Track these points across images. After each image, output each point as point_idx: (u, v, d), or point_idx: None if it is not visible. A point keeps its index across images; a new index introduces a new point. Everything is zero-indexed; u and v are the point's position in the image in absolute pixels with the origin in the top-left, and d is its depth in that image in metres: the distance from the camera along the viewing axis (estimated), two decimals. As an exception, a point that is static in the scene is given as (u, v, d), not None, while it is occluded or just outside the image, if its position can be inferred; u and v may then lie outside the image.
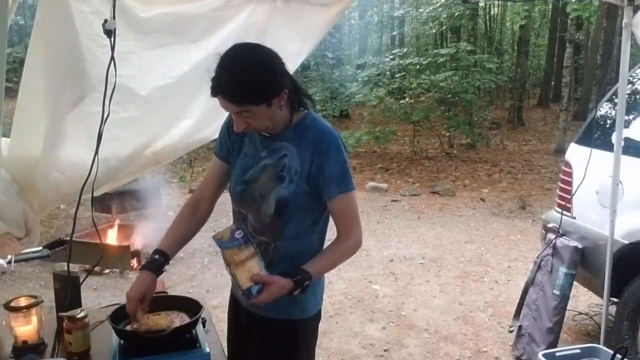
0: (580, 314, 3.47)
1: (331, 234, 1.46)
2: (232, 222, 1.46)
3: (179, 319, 1.43)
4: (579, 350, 2.41)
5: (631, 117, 2.95)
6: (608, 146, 2.80)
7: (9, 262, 1.81)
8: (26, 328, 1.46)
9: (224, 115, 1.80)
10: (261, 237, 1.40)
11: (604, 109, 3.21)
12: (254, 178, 1.40)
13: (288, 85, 1.31)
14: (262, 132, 1.38)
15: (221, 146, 1.51)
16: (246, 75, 1.24)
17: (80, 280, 1.60)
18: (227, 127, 1.47)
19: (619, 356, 2.05)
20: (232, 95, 1.24)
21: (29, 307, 1.46)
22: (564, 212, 3.04)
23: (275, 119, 1.33)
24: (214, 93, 1.26)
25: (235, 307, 1.57)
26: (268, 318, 1.43)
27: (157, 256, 1.45)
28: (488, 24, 17.16)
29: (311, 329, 1.49)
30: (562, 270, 2.89)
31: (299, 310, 1.44)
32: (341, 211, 1.37)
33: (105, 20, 1.34)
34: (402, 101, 10.12)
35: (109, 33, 1.34)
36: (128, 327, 1.39)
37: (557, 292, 2.87)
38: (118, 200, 5.16)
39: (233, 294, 1.62)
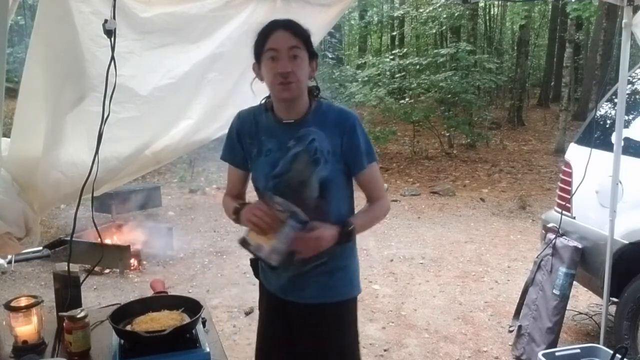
0: (580, 313, 3.48)
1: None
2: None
3: (179, 319, 1.43)
4: (578, 350, 2.41)
5: (631, 117, 2.95)
6: (608, 146, 2.80)
7: (10, 262, 1.81)
8: (26, 328, 1.46)
9: (224, 115, 1.81)
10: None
11: (604, 109, 3.21)
12: (286, 169, 1.42)
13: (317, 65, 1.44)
14: (285, 117, 1.43)
15: (232, 154, 1.53)
16: (301, 25, 1.40)
17: (81, 280, 1.60)
18: (237, 134, 1.50)
19: (618, 356, 2.05)
20: (292, 27, 1.35)
21: (29, 307, 1.46)
22: (564, 212, 3.04)
23: (305, 90, 1.41)
24: (273, 28, 1.35)
25: (280, 306, 1.56)
26: (324, 304, 1.49)
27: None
28: (488, 24, 17.15)
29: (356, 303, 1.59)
30: (562, 270, 2.89)
31: (353, 288, 1.54)
32: (372, 178, 1.49)
33: (106, 21, 1.34)
34: (402, 101, 10.12)
35: (109, 33, 1.34)
36: (128, 327, 1.40)
37: (556, 292, 2.87)
38: (118, 200, 5.16)
39: (271, 294, 1.59)
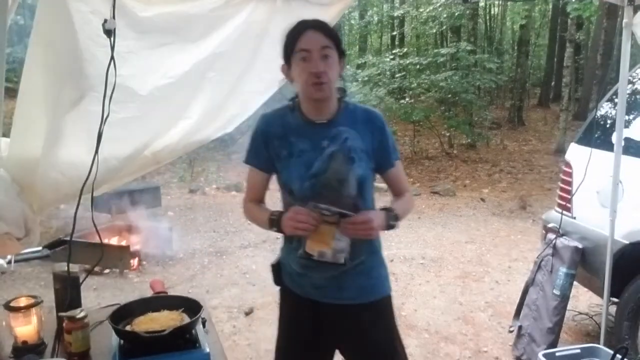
0: (581, 314, 3.47)
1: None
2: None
3: (178, 319, 1.42)
4: (579, 350, 2.41)
5: (631, 117, 2.95)
6: (608, 146, 2.80)
7: (9, 262, 1.81)
8: (26, 328, 1.46)
9: (223, 115, 1.81)
10: None
11: (604, 108, 3.20)
12: (323, 168, 1.41)
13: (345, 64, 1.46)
14: (316, 118, 1.44)
15: (257, 157, 1.51)
16: (329, 25, 1.43)
17: (80, 280, 1.60)
18: (263, 136, 1.48)
19: (619, 356, 2.05)
20: (322, 27, 1.37)
21: (28, 307, 1.45)
22: (564, 212, 3.04)
23: (335, 91, 1.43)
24: (304, 29, 1.36)
25: (313, 309, 1.52)
26: (364, 304, 1.49)
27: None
28: (488, 23, 17.15)
29: None
30: (562, 270, 2.89)
31: (388, 286, 1.56)
32: (398, 173, 1.55)
33: (105, 20, 1.34)
34: (402, 101, 10.12)
35: (109, 33, 1.34)
36: (128, 327, 1.39)
37: (557, 292, 2.87)
38: (118, 200, 5.15)
39: (302, 298, 1.54)
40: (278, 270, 1.58)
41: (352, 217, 1.34)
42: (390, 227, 1.43)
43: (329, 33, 1.38)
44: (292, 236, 1.44)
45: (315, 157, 1.42)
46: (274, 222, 1.43)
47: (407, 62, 10.42)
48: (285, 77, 1.44)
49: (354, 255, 1.42)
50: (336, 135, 1.42)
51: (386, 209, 1.44)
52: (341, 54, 1.41)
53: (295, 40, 1.37)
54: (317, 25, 1.37)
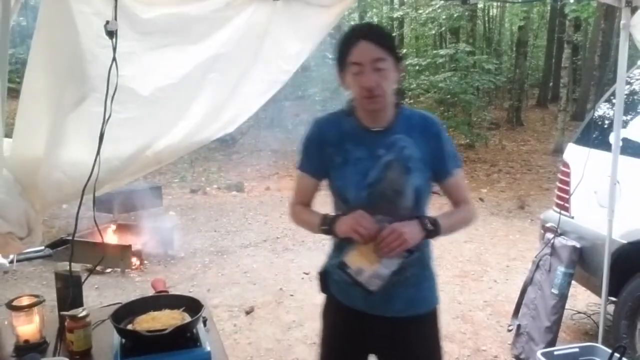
0: (579, 313, 3.49)
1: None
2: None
3: (180, 318, 1.43)
4: (577, 349, 2.42)
5: (629, 117, 2.97)
6: (606, 146, 2.81)
7: (11, 262, 1.81)
8: (28, 327, 1.47)
9: (224, 115, 1.81)
10: None
11: (602, 109, 3.22)
12: (379, 178, 1.37)
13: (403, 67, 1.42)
14: (372, 125, 1.40)
15: (311, 163, 1.48)
16: (384, 29, 1.45)
17: (82, 280, 1.61)
18: (317, 142, 1.45)
19: (617, 355, 2.06)
20: (376, 37, 1.31)
21: (31, 306, 1.46)
22: (562, 211, 3.05)
23: (391, 99, 1.37)
24: (356, 39, 1.31)
25: (360, 320, 1.47)
26: (413, 316, 1.45)
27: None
28: (487, 25, 17.16)
29: None
30: (561, 269, 2.90)
31: (437, 297, 1.52)
32: (458, 183, 1.48)
33: (107, 22, 1.35)
34: (402, 102, 10.12)
35: (111, 34, 1.35)
36: (130, 326, 1.40)
37: (555, 291, 2.89)
38: (119, 200, 5.17)
39: (349, 308, 1.48)
40: (325, 278, 1.53)
41: (381, 233, 1.27)
42: (429, 235, 1.36)
43: (383, 42, 1.32)
44: (341, 244, 1.39)
45: (372, 166, 1.38)
46: (328, 221, 1.39)
47: (407, 63, 10.42)
48: (341, 84, 1.41)
49: (404, 267, 1.36)
50: (393, 144, 1.38)
51: (419, 217, 1.35)
52: (398, 59, 1.36)
53: (347, 51, 1.33)
54: (370, 35, 1.31)
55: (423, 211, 1.42)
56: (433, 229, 1.36)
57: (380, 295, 1.37)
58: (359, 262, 1.31)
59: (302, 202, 1.54)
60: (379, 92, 1.31)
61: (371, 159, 1.38)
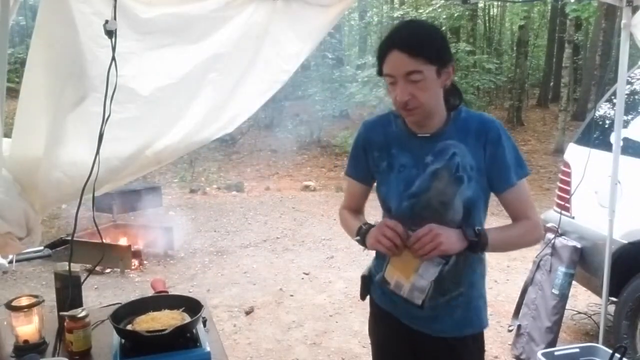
0: (579, 313, 3.48)
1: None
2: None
3: (179, 319, 1.43)
4: (577, 350, 2.42)
5: (630, 117, 2.96)
6: (607, 146, 2.81)
7: (11, 262, 1.81)
8: (27, 327, 1.46)
9: (224, 115, 1.81)
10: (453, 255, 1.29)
11: (603, 109, 3.21)
12: (424, 187, 1.27)
13: (453, 66, 1.25)
14: (419, 131, 1.29)
15: (356, 167, 1.42)
16: (424, 30, 1.24)
17: (82, 280, 1.60)
18: (364, 145, 1.38)
19: (617, 355, 2.05)
20: (410, 47, 1.17)
21: (30, 306, 1.46)
22: (563, 212, 3.05)
23: (437, 103, 1.25)
24: (388, 48, 1.20)
25: (406, 334, 1.40)
26: (460, 338, 1.36)
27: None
28: (487, 24, 17.16)
29: None
30: (561, 269, 2.90)
31: (485, 319, 1.40)
32: (518, 195, 1.31)
33: (107, 21, 1.34)
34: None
35: (110, 34, 1.34)
36: (129, 327, 1.40)
37: (556, 291, 2.88)
38: (119, 200, 5.18)
39: (394, 318, 1.42)
40: (368, 282, 1.46)
41: (417, 232, 1.19)
42: (472, 247, 1.23)
43: (419, 52, 1.17)
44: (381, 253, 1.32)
45: (417, 174, 1.28)
46: (361, 232, 1.32)
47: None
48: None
49: (454, 285, 1.29)
50: (442, 151, 1.27)
51: (462, 226, 1.25)
52: (444, 63, 1.21)
53: (382, 60, 1.23)
54: (404, 45, 1.18)
55: (476, 225, 1.28)
56: (476, 240, 1.23)
57: (427, 314, 1.31)
58: (396, 276, 1.26)
59: (351, 208, 1.48)
60: (415, 105, 1.21)
61: (417, 166, 1.29)
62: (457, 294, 1.33)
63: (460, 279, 1.32)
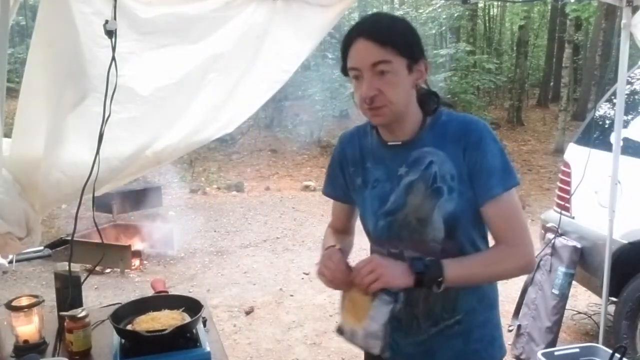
0: (579, 313, 3.48)
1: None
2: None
3: (179, 319, 1.43)
4: (577, 350, 2.42)
5: (630, 117, 2.96)
6: (607, 146, 2.81)
7: (11, 262, 1.81)
8: (27, 327, 1.46)
9: (224, 115, 1.81)
10: None
11: (603, 109, 3.21)
12: (400, 203, 1.12)
13: (426, 66, 1.10)
14: (390, 138, 1.14)
15: (333, 186, 1.28)
16: (393, 21, 1.09)
17: (82, 280, 1.60)
18: (340, 161, 1.24)
19: (617, 355, 2.05)
20: (377, 34, 1.03)
21: (30, 306, 1.46)
22: (563, 211, 3.05)
23: (408, 104, 1.09)
24: (353, 37, 1.05)
25: None
26: None
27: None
28: (487, 24, 17.15)
29: None
30: (561, 269, 2.90)
31: (496, 349, 1.23)
32: (505, 212, 1.08)
33: (107, 21, 1.34)
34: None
35: (110, 34, 1.35)
36: (129, 327, 1.40)
37: (556, 291, 2.88)
38: (119, 200, 5.18)
39: None
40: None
41: (357, 265, 1.05)
42: (423, 282, 1.03)
43: (387, 40, 1.03)
44: None
45: (392, 189, 1.13)
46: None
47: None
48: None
49: (448, 312, 1.14)
50: (417, 160, 1.10)
51: (414, 259, 1.07)
52: (415, 58, 1.06)
53: (346, 53, 1.08)
54: (369, 32, 1.04)
55: (468, 244, 1.12)
56: (423, 274, 1.03)
57: (419, 348, 1.17)
58: (349, 321, 1.09)
59: (336, 227, 1.35)
60: (382, 102, 1.05)
61: (390, 180, 1.13)
62: (453, 322, 1.15)
63: (454, 306, 1.15)
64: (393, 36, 1.05)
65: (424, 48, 1.12)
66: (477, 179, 1.07)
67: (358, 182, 1.20)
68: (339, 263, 1.09)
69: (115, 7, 1.35)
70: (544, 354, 2.38)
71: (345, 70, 1.10)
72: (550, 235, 3.05)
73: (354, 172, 1.21)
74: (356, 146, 1.22)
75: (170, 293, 1.72)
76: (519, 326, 3.01)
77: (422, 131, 1.12)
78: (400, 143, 1.13)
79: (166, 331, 1.32)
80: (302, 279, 4.24)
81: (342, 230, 1.35)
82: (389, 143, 1.14)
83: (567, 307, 2.96)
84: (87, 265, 3.16)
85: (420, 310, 1.16)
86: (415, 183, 1.11)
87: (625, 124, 2.83)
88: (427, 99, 1.15)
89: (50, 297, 1.63)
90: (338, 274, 1.07)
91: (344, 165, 1.24)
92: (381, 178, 1.15)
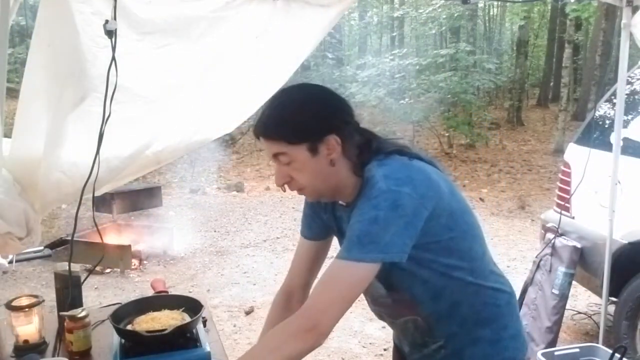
0: (579, 313, 3.48)
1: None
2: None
3: (179, 319, 1.43)
4: (577, 350, 2.42)
5: (630, 117, 2.96)
6: (607, 146, 2.81)
7: (11, 262, 1.81)
8: (27, 327, 1.46)
9: (224, 115, 1.81)
10: (403, 319, 1.17)
11: (603, 109, 3.22)
12: None
13: (345, 134, 1.06)
14: (329, 200, 1.17)
15: (310, 226, 1.28)
16: (284, 108, 1.08)
17: (82, 280, 1.60)
18: (310, 203, 1.27)
19: (617, 355, 2.05)
20: (265, 130, 1.06)
21: (30, 306, 1.46)
22: (563, 212, 3.05)
23: (330, 180, 1.08)
24: (255, 135, 1.09)
25: None
26: None
27: None
28: (487, 24, 17.18)
29: None
30: (561, 269, 2.90)
31: None
32: (324, 277, 1.02)
33: (107, 21, 1.34)
34: (402, 101, 10.13)
35: (110, 34, 1.34)
36: (129, 327, 1.40)
37: (556, 291, 2.88)
38: (119, 200, 5.17)
39: None
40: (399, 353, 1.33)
41: None
42: None
43: (273, 134, 1.05)
44: None
45: None
46: None
47: (407, 62, 10.42)
48: None
49: (430, 338, 1.15)
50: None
51: None
52: (314, 139, 1.04)
53: None
54: (259, 130, 1.07)
55: (417, 288, 1.10)
56: None
57: None
58: None
59: (294, 273, 1.37)
60: (297, 187, 1.09)
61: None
62: (437, 347, 1.15)
63: (432, 333, 1.14)
64: (280, 129, 1.05)
65: (350, 110, 1.11)
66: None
67: (334, 229, 1.23)
68: None
69: (115, 7, 1.35)
70: (544, 354, 2.39)
71: None
72: (550, 235, 3.05)
73: (328, 218, 1.24)
74: None
75: (170, 293, 1.72)
76: (519, 326, 3.01)
77: (359, 192, 1.08)
78: (345, 205, 1.15)
79: (166, 331, 1.32)
80: (302, 279, 4.24)
81: (296, 287, 1.30)
82: (340, 203, 1.17)
83: (567, 307, 2.96)
84: (87, 265, 3.15)
85: (405, 337, 1.24)
86: None
87: (625, 124, 2.83)
88: (358, 161, 1.09)
89: (50, 297, 1.63)
90: None
91: (315, 208, 1.26)
92: (342, 235, 1.17)
